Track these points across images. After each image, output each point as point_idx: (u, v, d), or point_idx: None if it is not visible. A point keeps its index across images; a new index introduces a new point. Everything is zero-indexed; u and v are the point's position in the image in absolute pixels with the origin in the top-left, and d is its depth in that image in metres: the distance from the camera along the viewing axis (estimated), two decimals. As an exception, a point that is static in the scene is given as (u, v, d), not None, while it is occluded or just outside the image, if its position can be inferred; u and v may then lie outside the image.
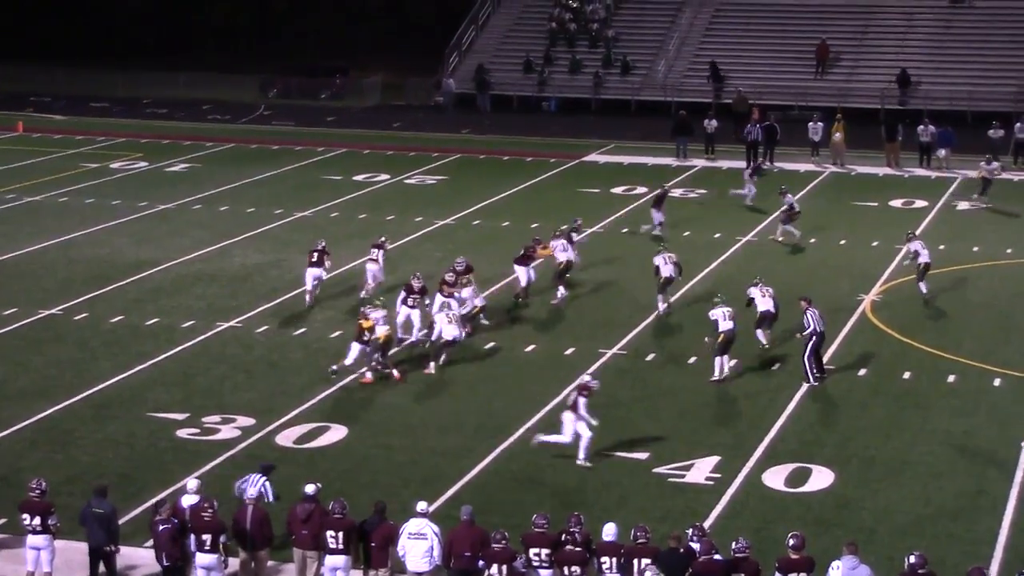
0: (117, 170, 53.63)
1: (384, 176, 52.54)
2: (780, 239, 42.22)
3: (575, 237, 37.48)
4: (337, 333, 33.40)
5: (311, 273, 35.50)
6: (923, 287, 35.93)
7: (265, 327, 34.18)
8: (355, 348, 30.11)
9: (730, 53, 69.09)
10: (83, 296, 36.57)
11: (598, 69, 69.30)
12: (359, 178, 52.19)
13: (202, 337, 33.40)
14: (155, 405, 29.04)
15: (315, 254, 35.57)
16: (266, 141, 60.01)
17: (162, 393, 29.78)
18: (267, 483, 22.24)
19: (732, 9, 71.81)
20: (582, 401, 26.08)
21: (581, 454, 25.92)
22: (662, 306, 34.82)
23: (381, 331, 30.26)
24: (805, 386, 29.87)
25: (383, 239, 37.11)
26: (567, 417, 26.05)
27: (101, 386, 30.12)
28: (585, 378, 27.09)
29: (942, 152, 53.13)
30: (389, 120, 66.06)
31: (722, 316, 30.45)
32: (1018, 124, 54.24)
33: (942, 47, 67.74)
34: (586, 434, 25.92)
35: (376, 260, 36.08)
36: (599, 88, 68.80)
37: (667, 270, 34.91)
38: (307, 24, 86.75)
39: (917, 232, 38.86)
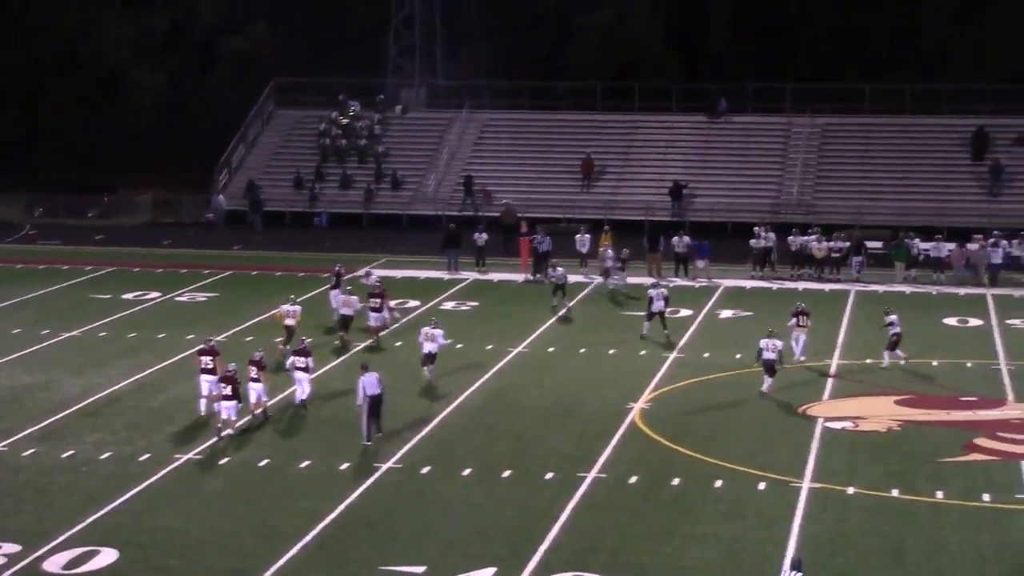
0: None
1: (155, 294, 52.04)
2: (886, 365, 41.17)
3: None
4: (107, 454, 32.90)
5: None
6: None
7: (32, 450, 33.46)
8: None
9: (498, 167, 70.32)
10: None
11: (369, 184, 69.87)
12: (128, 296, 51.58)
13: (-33, 462, 32.57)
14: (-83, 534, 28.18)
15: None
16: (32, 261, 58.97)
17: (-75, 521, 28.91)
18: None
19: (499, 125, 73.20)
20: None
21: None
22: None
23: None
24: (578, 495, 30.27)
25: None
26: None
27: None
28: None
29: (701, 263, 54.81)
30: (159, 237, 65.54)
31: None
32: (675, 238, 55.73)
33: (703, 160, 69.98)
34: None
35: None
36: (370, 203, 69.31)
37: None
38: (75, 141, 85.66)
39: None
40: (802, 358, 41.09)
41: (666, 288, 46.19)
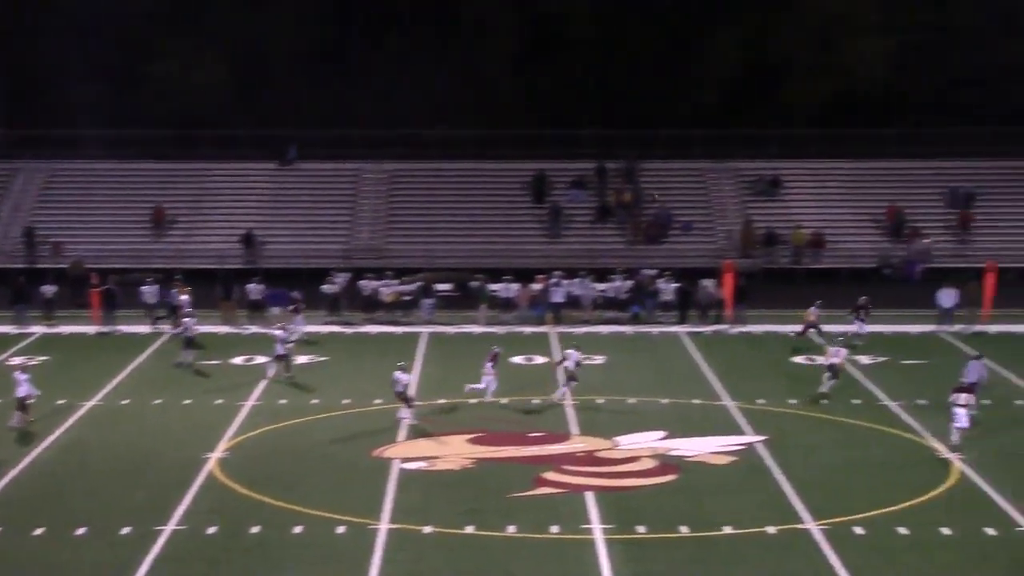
0: None
1: None
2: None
3: None
4: None
5: None
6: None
7: None
8: None
9: (67, 218, 68.85)
10: None
11: (-72, 238, 67.34)
12: None
13: None
14: None
15: None
16: None
17: None
18: None
19: (67, 174, 71.73)
20: None
21: None
22: None
23: None
24: (156, 549, 30.00)
25: None
26: None
27: None
28: None
29: (275, 310, 55.14)
30: None
31: None
32: (249, 285, 56.21)
33: (275, 207, 70.27)
34: None
35: None
36: (-71, 257, 66.79)
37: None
38: None
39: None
40: (488, 398, 42.53)
41: (291, 333, 46.92)
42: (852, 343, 50.14)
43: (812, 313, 51.16)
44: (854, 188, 71.85)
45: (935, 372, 47.11)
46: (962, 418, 37.15)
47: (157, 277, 57.40)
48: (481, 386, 42.53)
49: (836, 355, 43.79)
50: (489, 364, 42.70)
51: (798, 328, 51.58)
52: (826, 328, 51.24)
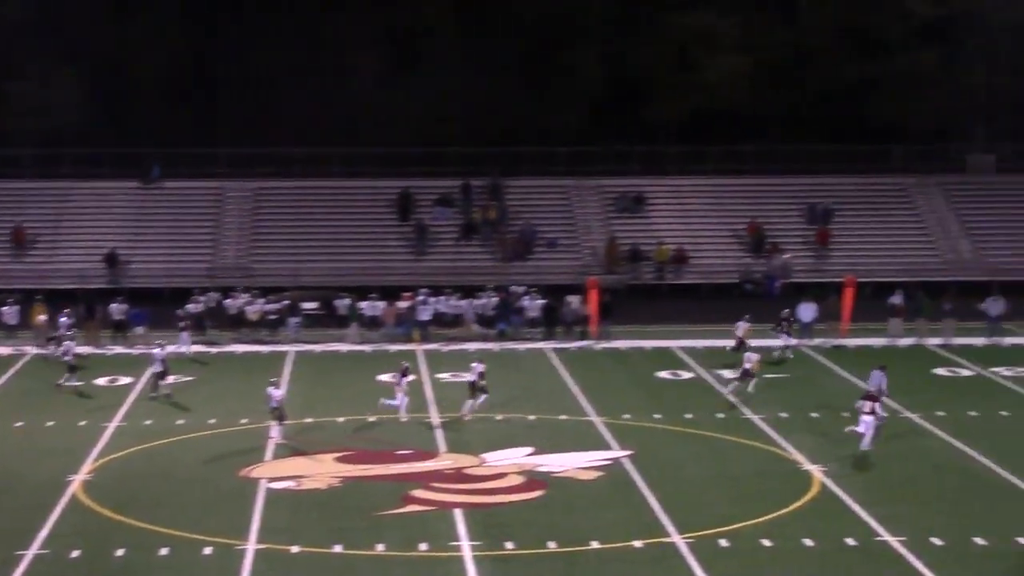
0: None
1: None
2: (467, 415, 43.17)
3: None
4: None
5: None
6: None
7: None
8: None
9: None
10: None
11: None
12: None
13: None
14: None
15: None
16: None
17: None
18: None
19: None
20: None
21: None
22: None
23: None
24: (17, 574, 29.65)
25: None
26: None
27: None
28: None
29: (139, 330, 54.64)
30: None
31: None
32: (112, 305, 55.67)
33: (137, 227, 69.60)
34: None
35: None
36: None
37: None
38: None
39: None
40: (404, 417, 42.71)
41: (162, 349, 46.61)
42: (785, 356, 51.67)
43: (740, 328, 51.73)
44: (715, 204, 72.88)
45: (796, 385, 48.00)
46: (863, 424, 38.35)
47: (17, 298, 56.66)
48: (396, 402, 42.65)
49: (748, 361, 45.05)
50: (403, 380, 42.91)
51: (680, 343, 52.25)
52: (692, 343, 51.89)
